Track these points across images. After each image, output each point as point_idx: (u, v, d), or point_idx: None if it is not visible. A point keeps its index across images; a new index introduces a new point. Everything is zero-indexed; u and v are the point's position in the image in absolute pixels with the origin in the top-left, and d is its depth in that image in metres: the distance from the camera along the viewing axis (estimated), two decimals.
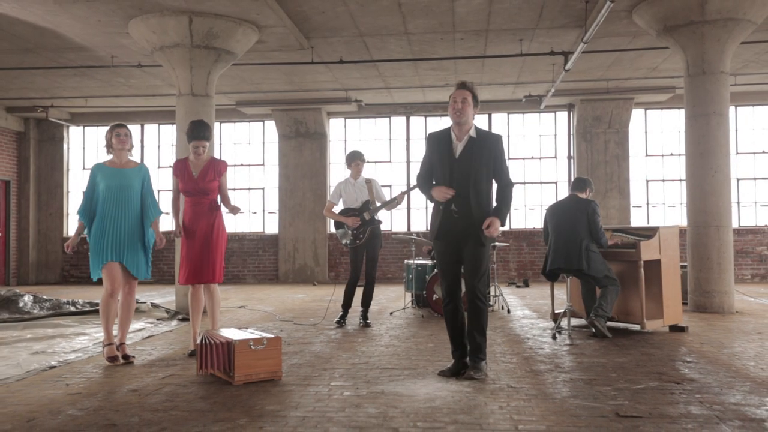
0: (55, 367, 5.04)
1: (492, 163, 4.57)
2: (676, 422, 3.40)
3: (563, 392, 4.08)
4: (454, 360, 4.63)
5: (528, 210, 14.35)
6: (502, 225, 4.56)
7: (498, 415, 3.58)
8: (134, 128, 14.70)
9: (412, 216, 14.57)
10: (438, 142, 4.68)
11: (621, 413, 3.57)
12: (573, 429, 3.31)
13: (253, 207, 14.95)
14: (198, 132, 5.51)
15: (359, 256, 7.08)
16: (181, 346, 5.92)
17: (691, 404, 3.75)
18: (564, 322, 6.56)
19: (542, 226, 6.82)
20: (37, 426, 3.43)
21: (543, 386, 4.25)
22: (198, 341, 4.66)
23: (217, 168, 5.52)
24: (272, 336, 4.56)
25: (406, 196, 7.18)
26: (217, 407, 3.78)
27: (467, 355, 4.58)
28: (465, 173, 4.52)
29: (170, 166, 14.85)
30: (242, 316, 8.30)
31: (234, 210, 5.50)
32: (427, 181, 4.73)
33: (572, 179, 6.61)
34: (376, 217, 7.09)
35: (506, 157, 4.70)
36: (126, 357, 5.18)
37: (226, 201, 5.63)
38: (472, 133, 4.61)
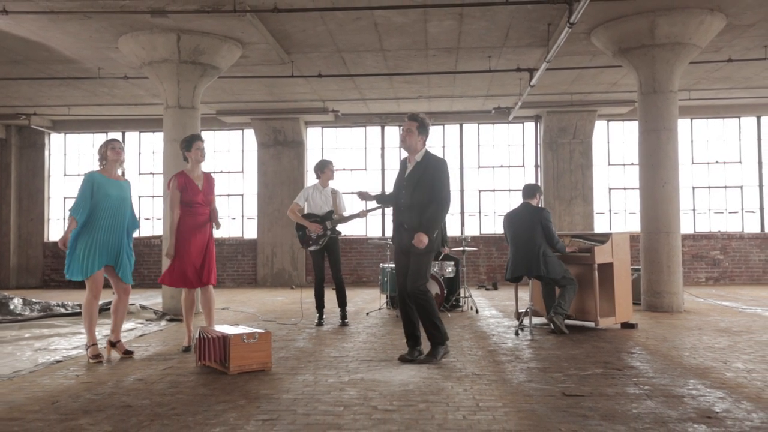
0: (61, 361, 5.50)
1: (431, 183, 5.24)
2: (612, 399, 4.02)
3: (520, 378, 4.68)
4: (408, 348, 5.44)
5: (497, 216, 15.02)
6: (428, 236, 5.13)
7: (462, 395, 4.16)
8: (115, 136, 15.10)
9: (386, 222, 15.15)
10: (402, 165, 5.58)
11: (567, 393, 4.19)
12: (525, 405, 3.91)
13: (232, 213, 15.40)
14: (195, 135, 6.13)
15: (320, 259, 7.62)
16: (174, 343, 6.40)
17: (627, 386, 4.38)
18: (526, 321, 7.18)
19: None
20: (62, 407, 3.92)
21: (503, 373, 4.85)
22: (196, 336, 5.17)
23: (212, 183, 6.09)
24: (263, 331, 5.09)
25: (367, 214, 7.71)
26: (217, 392, 4.31)
27: (419, 344, 5.42)
28: (410, 191, 5.31)
29: (151, 173, 15.27)
30: (227, 317, 8.77)
31: (217, 224, 6.08)
32: (391, 199, 5.61)
33: (523, 186, 7.24)
34: (336, 228, 7.61)
35: (445, 180, 5.29)
36: (127, 352, 5.65)
37: (213, 211, 6.09)
38: (418, 157, 5.39)
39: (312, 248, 7.52)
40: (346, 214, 7.74)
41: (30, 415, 3.76)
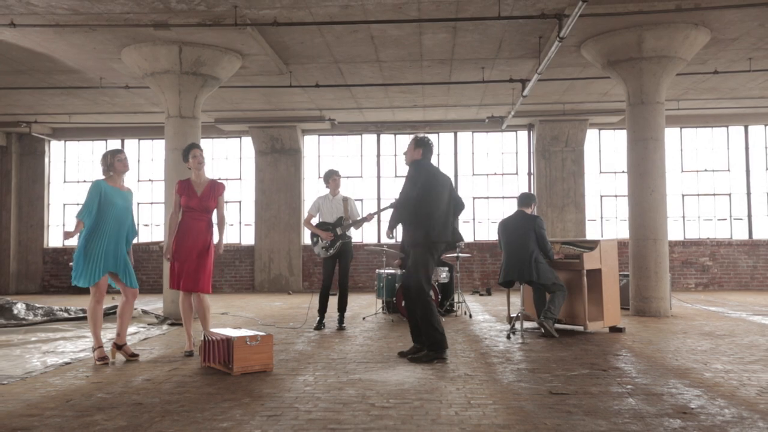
0: (69, 363, 5.71)
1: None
2: (595, 397, 4.27)
3: (510, 378, 4.92)
4: (413, 345, 5.91)
5: (491, 223, 15.29)
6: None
7: (455, 394, 4.40)
8: (114, 143, 15.33)
9: (382, 229, 15.39)
10: None
11: (553, 391, 4.43)
12: (513, 403, 4.15)
13: (230, 219, 15.61)
14: (191, 145, 6.34)
15: (331, 266, 7.86)
16: (177, 346, 6.62)
17: (610, 385, 4.63)
18: (518, 325, 7.42)
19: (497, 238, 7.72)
20: (77, 405, 4.14)
21: (494, 374, 5.09)
22: (202, 339, 5.39)
23: (217, 189, 6.24)
24: (264, 334, 5.32)
25: (375, 216, 8.00)
26: (223, 391, 4.53)
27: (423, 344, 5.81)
28: None
29: (150, 180, 15.50)
30: (226, 321, 8.99)
31: (219, 246, 6.22)
32: None
33: (519, 195, 7.51)
34: (347, 233, 7.87)
35: (409, 180, 5.79)
36: (132, 355, 5.86)
37: (221, 222, 6.28)
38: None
39: (325, 255, 7.77)
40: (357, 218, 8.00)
41: (47, 412, 3.98)
